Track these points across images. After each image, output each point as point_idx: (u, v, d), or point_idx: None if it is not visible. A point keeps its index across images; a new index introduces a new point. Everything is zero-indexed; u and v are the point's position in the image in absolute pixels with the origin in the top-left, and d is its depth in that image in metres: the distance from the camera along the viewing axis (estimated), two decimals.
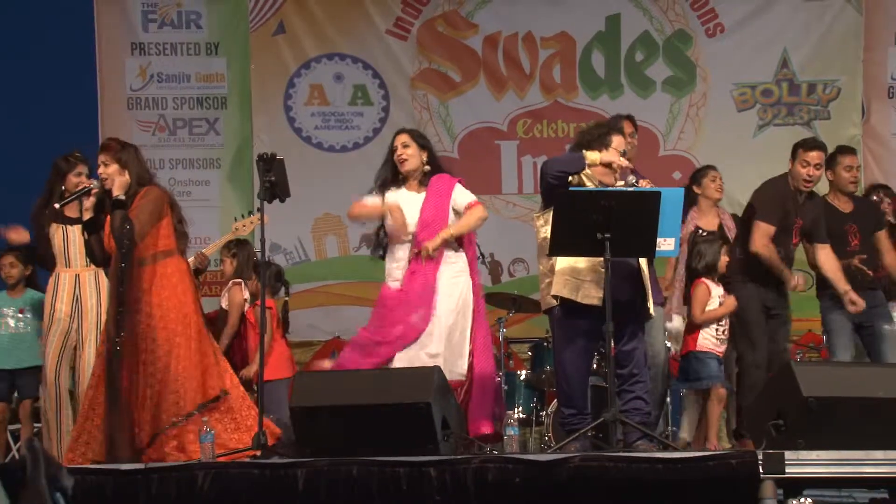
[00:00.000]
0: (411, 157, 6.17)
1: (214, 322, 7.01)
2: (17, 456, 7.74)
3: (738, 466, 4.55)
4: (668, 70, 9.67)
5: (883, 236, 7.10)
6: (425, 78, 9.69)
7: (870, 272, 6.88)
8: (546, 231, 5.71)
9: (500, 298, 8.12)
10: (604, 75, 9.69)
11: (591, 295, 5.67)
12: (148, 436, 5.50)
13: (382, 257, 6.25)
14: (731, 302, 6.51)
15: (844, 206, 7.06)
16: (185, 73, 9.67)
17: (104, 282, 6.27)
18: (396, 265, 6.14)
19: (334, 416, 5.21)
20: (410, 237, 6.11)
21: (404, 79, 9.69)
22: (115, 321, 5.54)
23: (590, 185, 5.79)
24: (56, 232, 6.41)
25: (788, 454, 4.57)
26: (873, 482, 4.77)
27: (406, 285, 6.05)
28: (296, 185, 5.89)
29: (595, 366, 6.91)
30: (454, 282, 6.08)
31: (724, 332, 6.50)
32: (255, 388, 6.41)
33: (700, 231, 6.87)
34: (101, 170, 5.73)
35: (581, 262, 5.73)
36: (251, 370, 6.83)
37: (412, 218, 6.10)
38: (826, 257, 6.81)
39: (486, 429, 6.02)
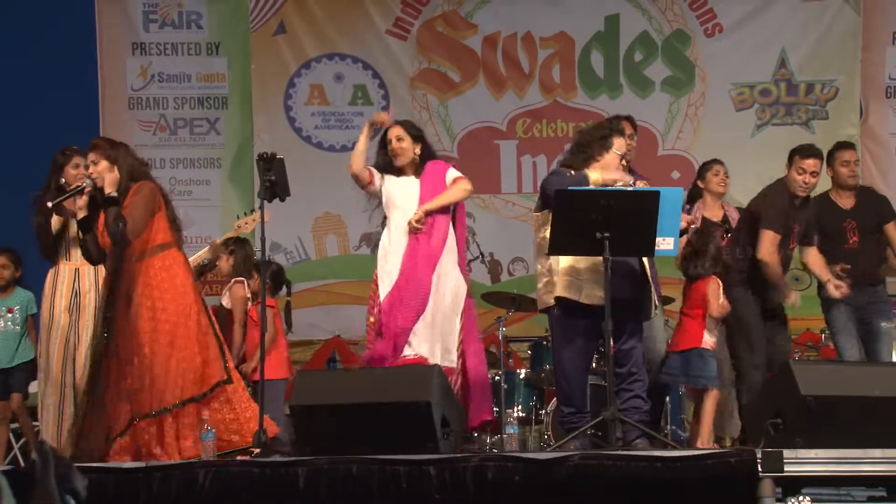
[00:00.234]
0: (405, 150, 6.29)
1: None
2: (18, 454, 7.78)
3: (736, 465, 4.56)
4: (666, 70, 9.69)
5: (892, 228, 7.02)
6: (425, 78, 9.70)
7: (848, 278, 6.82)
8: (544, 231, 5.73)
9: (499, 297, 8.12)
10: (603, 75, 9.71)
11: (593, 295, 5.69)
12: (125, 423, 5.47)
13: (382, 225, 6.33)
14: (726, 302, 6.51)
15: (845, 202, 7.03)
16: (185, 72, 9.68)
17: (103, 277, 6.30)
18: (389, 239, 6.22)
19: (334, 414, 5.22)
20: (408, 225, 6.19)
21: (404, 79, 9.70)
22: (103, 320, 5.58)
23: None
24: (58, 225, 6.43)
25: (787, 453, 4.58)
26: (871, 481, 4.78)
27: (404, 265, 6.12)
28: (296, 184, 5.90)
29: (594, 364, 6.92)
30: (448, 272, 6.16)
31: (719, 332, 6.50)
32: (252, 385, 6.44)
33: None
34: (90, 168, 5.74)
35: (581, 263, 5.75)
36: (250, 367, 6.84)
37: (411, 202, 6.20)
38: (813, 257, 6.87)
39: (487, 415, 6.17)
